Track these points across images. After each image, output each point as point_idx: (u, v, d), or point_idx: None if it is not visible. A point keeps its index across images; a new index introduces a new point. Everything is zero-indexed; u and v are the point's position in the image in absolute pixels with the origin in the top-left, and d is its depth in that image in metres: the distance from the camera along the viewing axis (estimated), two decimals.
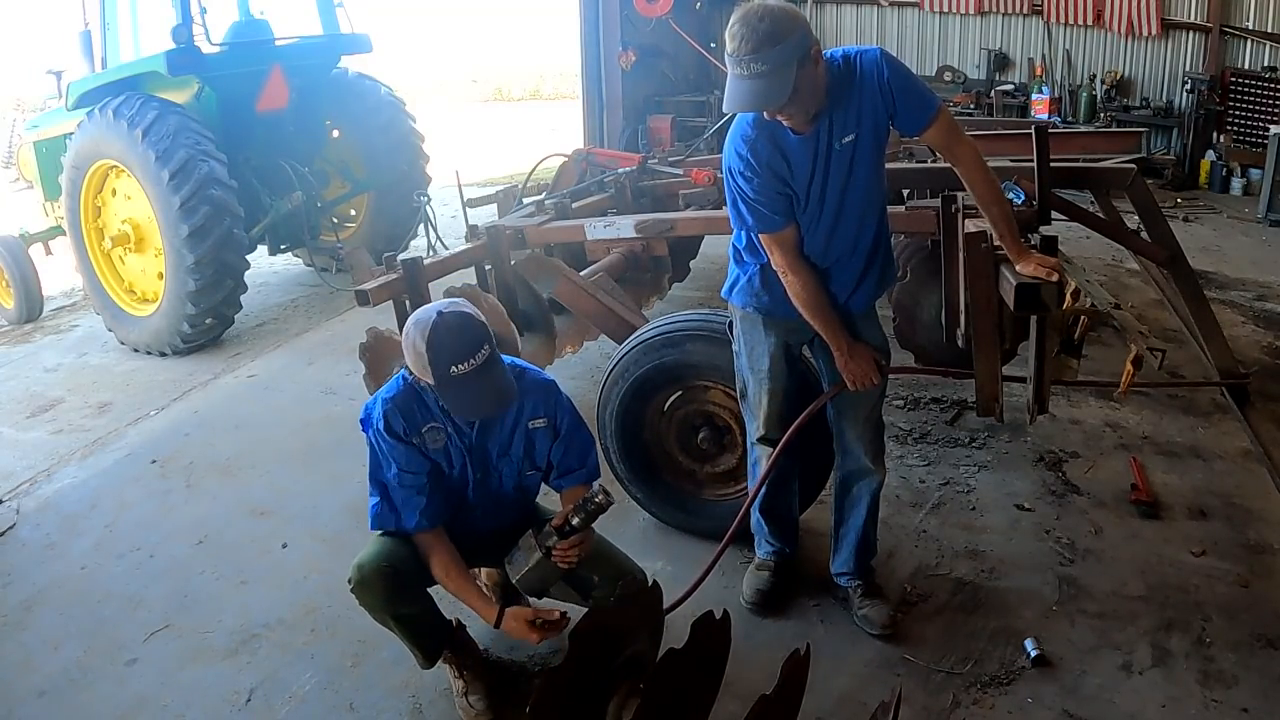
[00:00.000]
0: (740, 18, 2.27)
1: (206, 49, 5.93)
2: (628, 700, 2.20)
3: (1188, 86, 9.72)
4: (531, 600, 2.74)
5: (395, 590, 2.50)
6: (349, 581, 2.53)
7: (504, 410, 2.49)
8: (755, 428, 2.94)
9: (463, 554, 2.60)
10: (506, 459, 2.61)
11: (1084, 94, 9.98)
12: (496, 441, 2.59)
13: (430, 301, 3.80)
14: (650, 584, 2.39)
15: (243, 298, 5.98)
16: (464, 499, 2.63)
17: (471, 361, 2.30)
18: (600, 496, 2.43)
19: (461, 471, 2.59)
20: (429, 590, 2.63)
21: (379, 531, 2.59)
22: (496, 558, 2.66)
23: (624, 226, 4.36)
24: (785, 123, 2.43)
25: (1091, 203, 4.47)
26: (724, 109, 2.41)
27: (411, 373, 2.46)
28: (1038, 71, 10.36)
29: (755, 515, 3.11)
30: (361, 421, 2.56)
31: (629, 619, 2.25)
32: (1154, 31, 9.80)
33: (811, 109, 2.41)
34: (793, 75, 2.27)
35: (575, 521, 2.46)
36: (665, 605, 2.53)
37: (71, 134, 6.09)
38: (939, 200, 3.35)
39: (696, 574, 2.79)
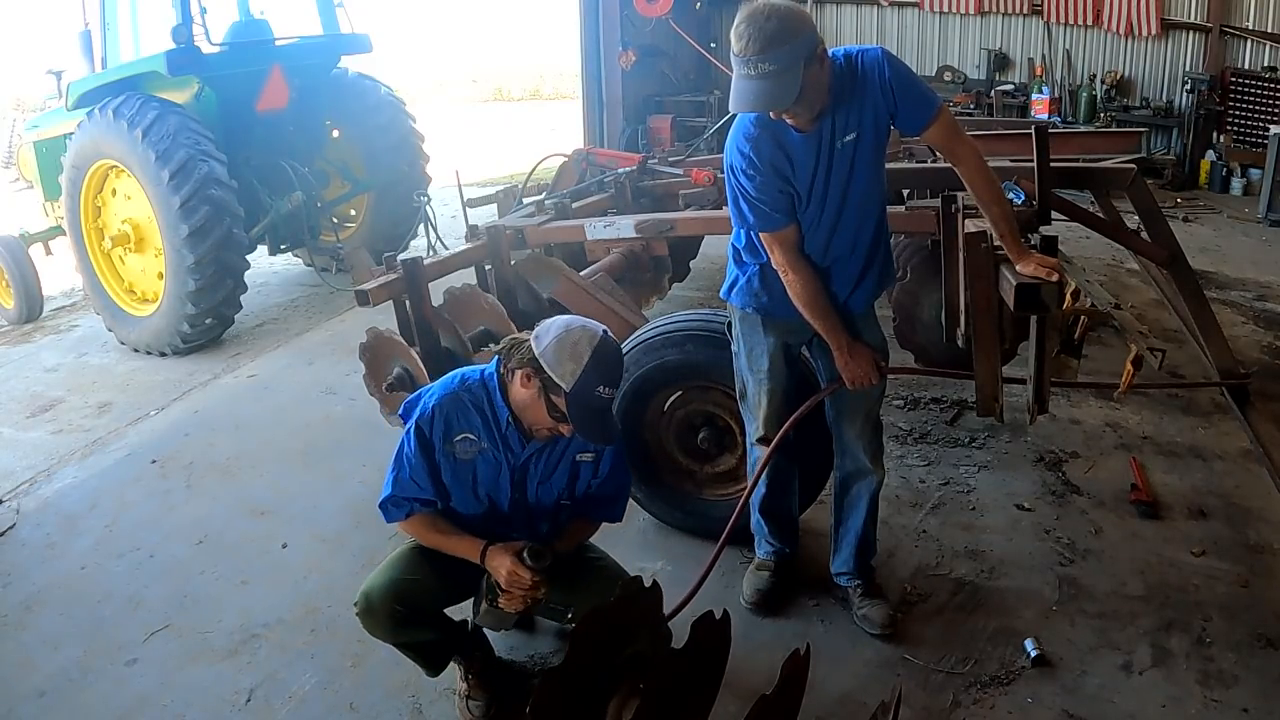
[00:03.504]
0: (746, 17, 2.26)
1: (206, 49, 5.93)
2: (628, 700, 2.19)
3: (1188, 86, 9.74)
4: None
5: (402, 624, 2.48)
6: (355, 605, 2.49)
7: (608, 444, 2.49)
8: (754, 428, 2.93)
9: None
10: (546, 486, 2.53)
11: (1084, 94, 9.99)
12: (541, 467, 2.51)
13: (430, 303, 3.81)
14: (650, 584, 2.38)
15: (243, 298, 5.98)
16: (497, 510, 2.55)
17: (612, 391, 2.34)
18: (543, 560, 2.38)
19: (493, 486, 2.50)
20: (443, 610, 2.60)
21: (395, 527, 2.56)
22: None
23: (624, 226, 4.36)
24: (789, 121, 2.43)
25: (1091, 203, 4.47)
26: (730, 109, 2.40)
27: (487, 375, 2.42)
28: (1038, 71, 10.37)
29: (755, 515, 3.10)
30: (402, 413, 2.53)
31: (629, 619, 2.25)
32: (1154, 31, 9.81)
33: (816, 108, 2.41)
34: (800, 75, 2.27)
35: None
36: (668, 609, 2.51)
37: (71, 134, 6.10)
38: (939, 200, 3.34)
39: (696, 574, 2.78)
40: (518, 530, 2.56)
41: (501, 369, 2.41)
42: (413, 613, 2.47)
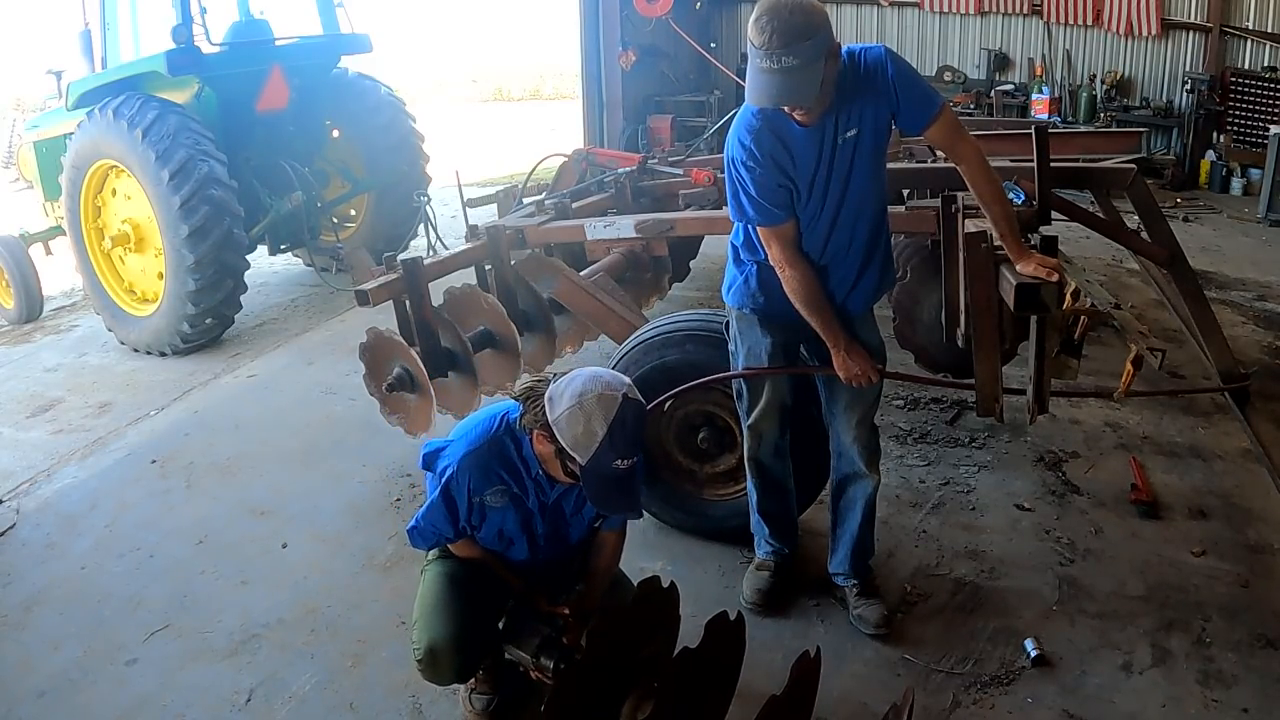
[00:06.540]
0: (769, 9, 2.24)
1: (206, 49, 5.93)
2: (642, 702, 2.19)
3: (1188, 86, 9.74)
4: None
5: (468, 671, 2.49)
6: (416, 657, 2.41)
7: (630, 515, 2.43)
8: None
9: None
10: (579, 518, 2.52)
11: (1084, 94, 9.99)
12: (573, 501, 2.48)
13: (430, 303, 3.81)
14: (668, 585, 2.38)
15: (243, 298, 5.98)
16: (527, 548, 2.53)
17: (631, 461, 2.20)
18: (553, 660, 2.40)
19: (526, 527, 2.48)
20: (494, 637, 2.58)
21: (428, 558, 2.58)
22: (550, 586, 2.63)
23: (624, 226, 4.36)
24: (797, 116, 2.42)
25: (1091, 203, 4.48)
26: (748, 102, 2.38)
27: (518, 424, 2.32)
28: (1038, 71, 10.37)
29: (755, 515, 3.10)
30: (424, 459, 2.49)
31: (645, 620, 2.25)
32: (1154, 31, 9.81)
33: (825, 103, 2.41)
34: (821, 71, 2.26)
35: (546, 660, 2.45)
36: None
37: (71, 134, 6.10)
38: (939, 200, 3.35)
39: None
40: (546, 556, 2.55)
41: (520, 423, 2.32)
42: (476, 659, 2.49)
